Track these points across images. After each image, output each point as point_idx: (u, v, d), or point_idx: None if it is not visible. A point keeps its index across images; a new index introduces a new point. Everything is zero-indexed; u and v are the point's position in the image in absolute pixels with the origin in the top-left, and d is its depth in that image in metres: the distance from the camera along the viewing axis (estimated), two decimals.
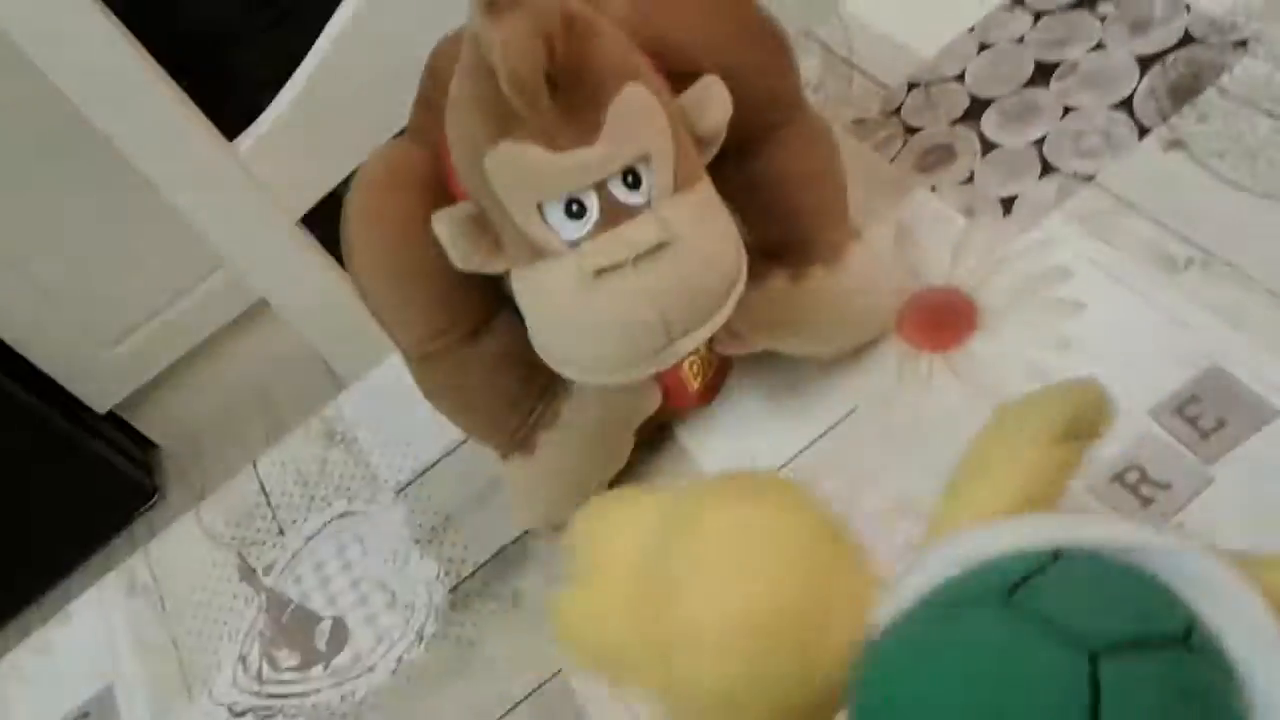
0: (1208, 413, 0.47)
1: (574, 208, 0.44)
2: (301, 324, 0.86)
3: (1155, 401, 0.48)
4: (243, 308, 1.65)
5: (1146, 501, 0.46)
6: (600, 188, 0.44)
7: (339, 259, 0.84)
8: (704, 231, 0.45)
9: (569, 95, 0.43)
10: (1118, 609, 0.27)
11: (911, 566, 0.33)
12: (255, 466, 0.69)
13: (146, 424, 1.75)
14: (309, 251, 0.82)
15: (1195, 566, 0.29)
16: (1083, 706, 0.24)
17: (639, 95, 0.44)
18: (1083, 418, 0.36)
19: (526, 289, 0.47)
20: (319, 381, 1.67)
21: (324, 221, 0.83)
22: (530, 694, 0.53)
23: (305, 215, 0.83)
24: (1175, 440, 0.47)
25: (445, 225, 0.46)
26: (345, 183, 0.80)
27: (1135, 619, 0.27)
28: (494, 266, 0.47)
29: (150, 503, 1.69)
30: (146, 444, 1.75)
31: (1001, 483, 0.34)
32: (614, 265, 0.43)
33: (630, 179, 0.44)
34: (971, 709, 0.26)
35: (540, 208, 0.44)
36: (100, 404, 1.67)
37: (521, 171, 0.43)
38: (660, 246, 0.43)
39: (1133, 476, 0.46)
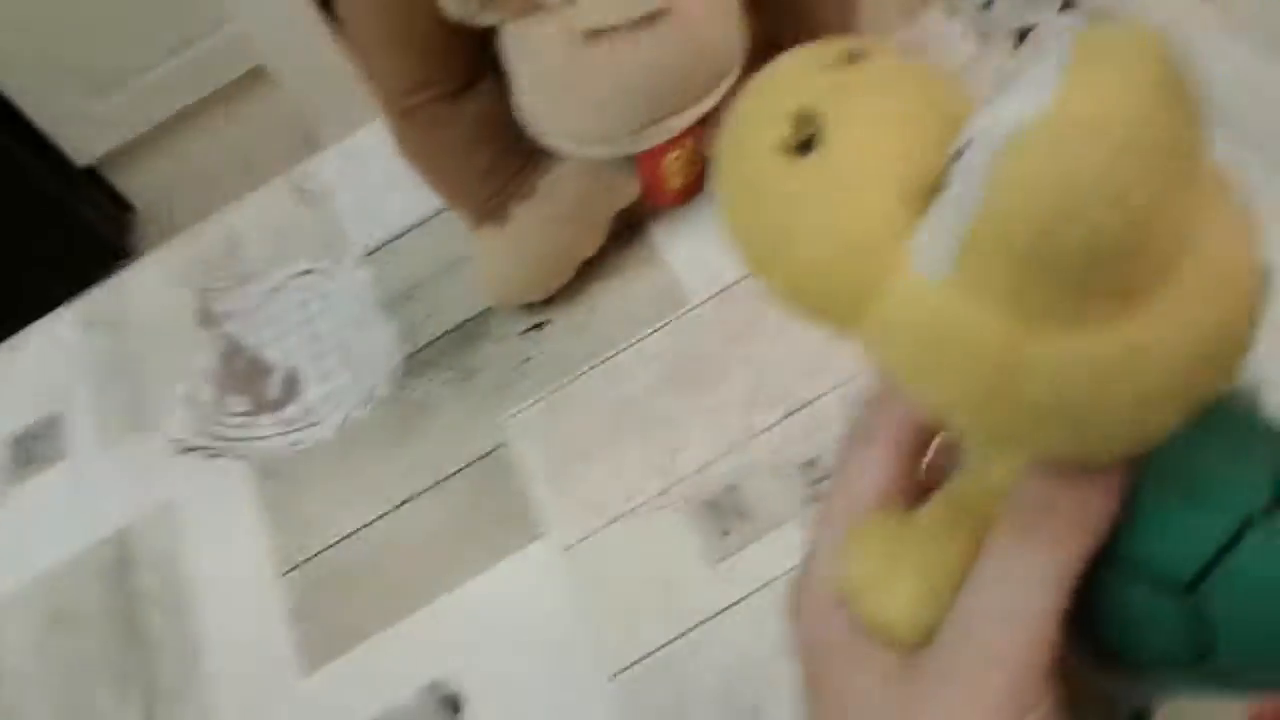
0: None
1: None
2: (286, 79, 0.84)
3: None
4: (235, 75, 1.61)
5: None
6: None
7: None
8: (707, 6, 0.43)
9: None
10: None
11: None
12: (224, 215, 0.68)
13: (126, 185, 1.73)
14: (307, 10, 0.79)
15: None
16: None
17: None
18: None
19: (516, 47, 0.45)
20: (303, 155, 1.64)
21: None
22: (469, 464, 0.54)
23: None
24: None
25: None
26: None
27: None
28: (487, 15, 0.45)
29: (123, 262, 1.68)
30: (123, 205, 1.73)
31: None
32: (608, 28, 0.42)
33: None
34: None
35: None
36: (80, 157, 1.64)
37: None
38: (658, 14, 0.42)
39: None
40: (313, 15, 0.81)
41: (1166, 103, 0.19)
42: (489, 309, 0.58)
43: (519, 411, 0.54)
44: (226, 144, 1.72)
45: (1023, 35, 0.55)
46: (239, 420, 0.60)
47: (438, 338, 0.58)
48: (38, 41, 1.51)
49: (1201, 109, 0.19)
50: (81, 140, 1.64)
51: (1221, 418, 0.23)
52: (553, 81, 0.44)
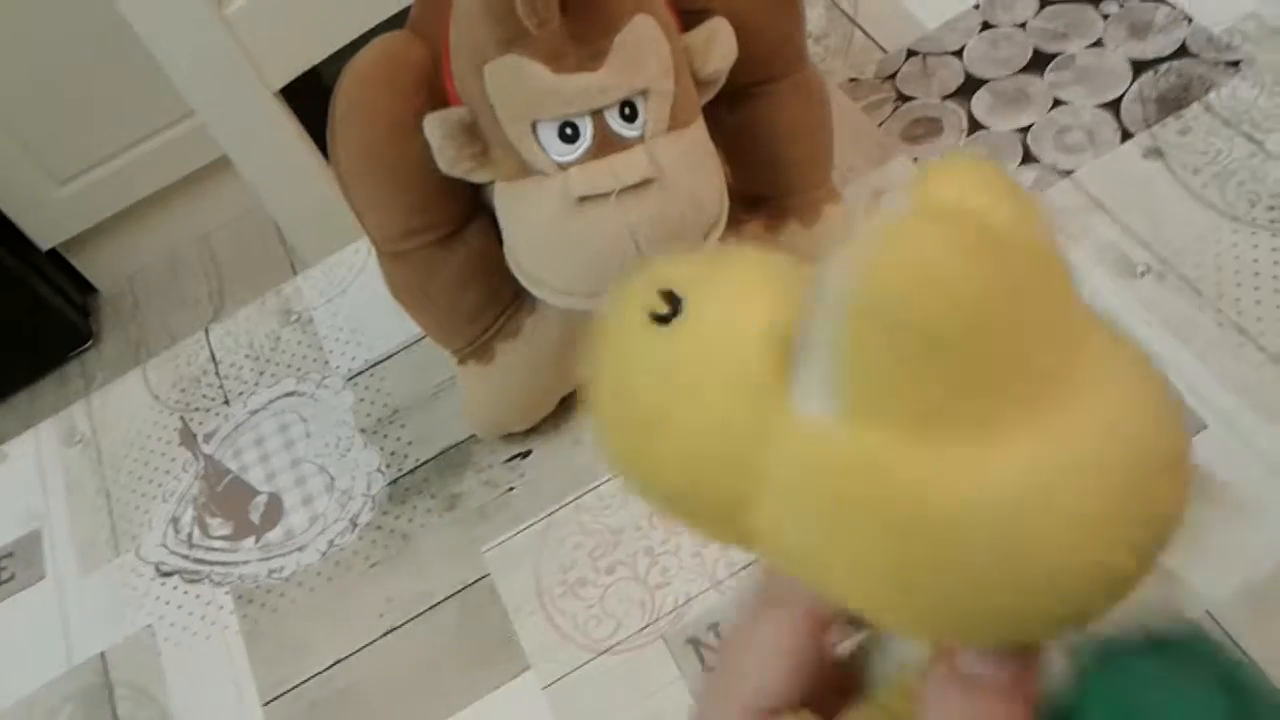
0: None
1: (568, 131, 0.44)
2: (265, 194, 0.85)
3: None
4: (201, 164, 1.62)
5: None
6: (597, 115, 0.44)
7: (314, 136, 0.83)
8: (692, 173, 0.45)
9: (580, 18, 0.43)
10: None
11: None
12: (207, 333, 0.69)
13: (89, 267, 1.72)
14: (284, 123, 0.81)
15: None
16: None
17: (647, 28, 0.44)
18: None
19: (508, 204, 0.47)
20: (269, 251, 1.65)
21: (301, 97, 0.82)
22: (453, 595, 0.55)
23: (285, 93, 0.81)
24: None
25: (437, 128, 0.46)
26: (328, 61, 0.80)
27: None
28: (479, 176, 0.47)
29: (85, 346, 1.67)
30: (87, 287, 1.73)
31: None
32: (599, 194, 0.44)
33: (627, 111, 0.44)
34: None
35: (534, 126, 0.44)
36: (44, 240, 1.63)
37: (522, 87, 0.43)
38: (647, 183, 0.44)
39: None
40: (290, 131, 0.83)
41: (1006, 207, 0.21)
42: (472, 437, 0.59)
43: (503, 541, 0.55)
44: (192, 230, 1.73)
45: None
46: (220, 544, 0.60)
47: (420, 464, 0.59)
48: (3, 122, 1.52)
49: (1050, 234, 0.21)
50: (46, 223, 1.64)
51: (1164, 649, 0.23)
52: (542, 239, 0.46)
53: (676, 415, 0.22)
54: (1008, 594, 0.20)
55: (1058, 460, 0.19)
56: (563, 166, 0.45)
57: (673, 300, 0.23)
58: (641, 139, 0.45)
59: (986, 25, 0.65)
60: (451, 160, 0.46)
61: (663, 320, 0.23)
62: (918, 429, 0.20)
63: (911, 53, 0.65)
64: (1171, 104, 0.58)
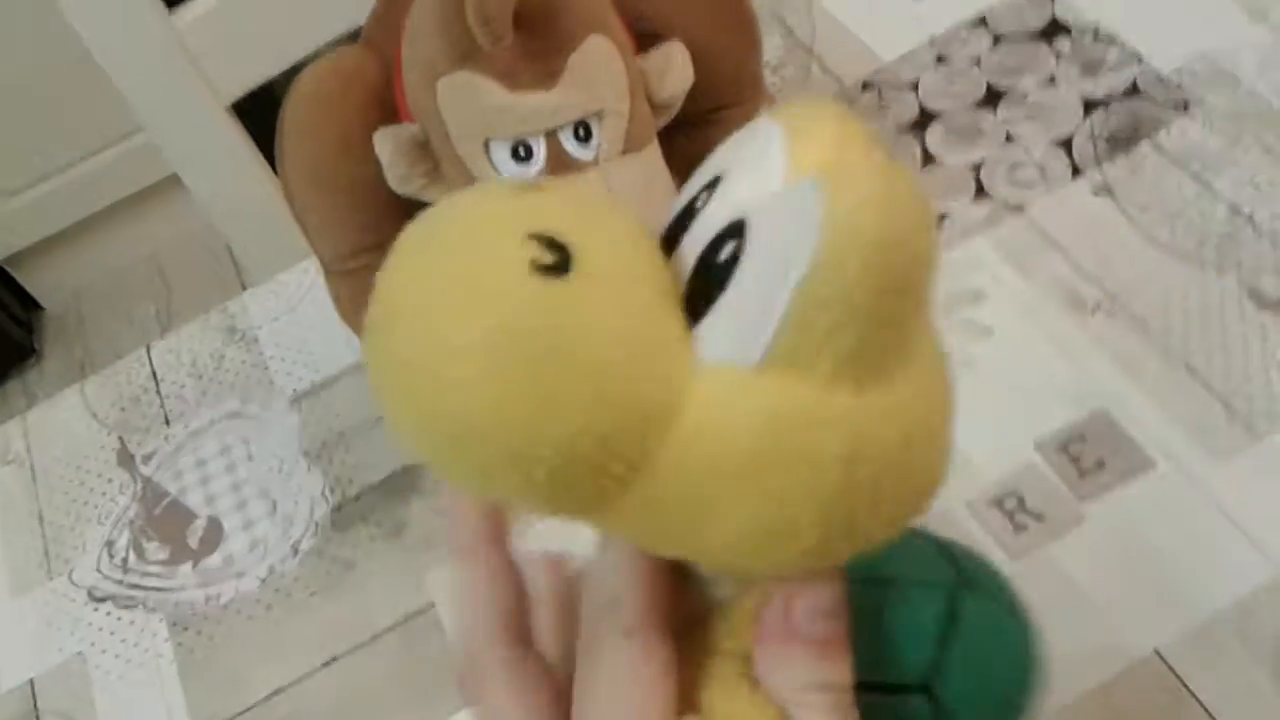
0: (1089, 453, 0.49)
1: (521, 151, 0.44)
2: (213, 210, 0.84)
3: (1042, 434, 0.50)
4: (150, 181, 1.59)
5: (1020, 528, 0.48)
6: (550, 135, 0.43)
7: (264, 153, 0.82)
8: (646, 197, 0.45)
9: (534, 36, 0.42)
10: None
11: None
12: (149, 351, 0.67)
13: (33, 283, 1.69)
14: (235, 138, 0.80)
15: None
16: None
17: (603, 49, 0.44)
18: None
19: None
20: (217, 268, 1.63)
21: (252, 114, 0.81)
22: (398, 624, 0.53)
23: (236, 108, 0.80)
24: (1055, 474, 0.49)
25: (388, 145, 0.45)
26: (281, 77, 0.79)
27: None
28: (430, 194, 0.46)
29: (27, 362, 1.63)
30: (31, 303, 1.69)
31: None
32: None
33: (581, 132, 0.44)
34: None
35: (487, 145, 0.44)
36: None
37: (475, 105, 0.43)
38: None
39: (1010, 503, 0.48)
40: (240, 147, 0.81)
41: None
42: (418, 463, 0.58)
43: (449, 569, 0.54)
44: (141, 248, 1.70)
45: (938, 220, 0.58)
46: (156, 570, 0.59)
47: (366, 490, 0.58)
48: None
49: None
50: None
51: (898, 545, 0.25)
52: None
53: (575, 378, 0.20)
54: (898, 524, 0.22)
55: (925, 409, 0.22)
56: None
57: (559, 249, 0.20)
58: (595, 161, 0.44)
59: (941, 59, 0.65)
60: (402, 178, 0.46)
61: (550, 271, 0.20)
62: (835, 378, 0.20)
63: (867, 85, 0.65)
64: (1121, 142, 0.59)
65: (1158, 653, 0.44)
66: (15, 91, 1.47)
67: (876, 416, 0.21)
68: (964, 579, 0.30)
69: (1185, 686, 0.43)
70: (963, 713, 0.28)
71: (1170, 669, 0.43)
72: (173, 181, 1.59)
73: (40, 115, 1.50)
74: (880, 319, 0.20)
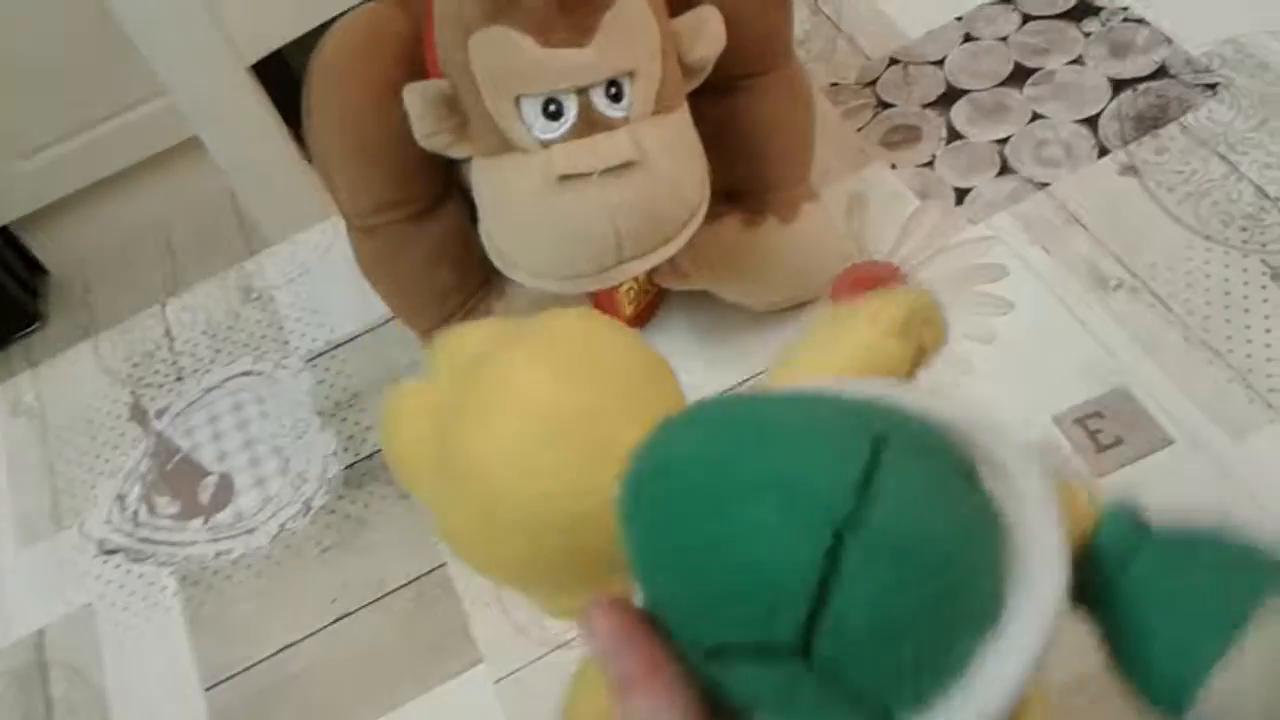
0: (1108, 429, 0.49)
1: (552, 108, 0.43)
2: (232, 171, 0.83)
3: (1061, 408, 0.50)
4: (163, 146, 1.59)
5: None
6: (582, 93, 0.43)
7: (284, 116, 0.82)
8: (674, 159, 0.45)
9: None
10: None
11: None
12: (163, 308, 0.67)
13: (41, 248, 1.68)
14: (256, 99, 0.79)
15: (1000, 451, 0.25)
16: (857, 473, 0.22)
17: (637, 8, 0.44)
18: (915, 318, 0.33)
19: (487, 180, 0.46)
20: (227, 238, 1.62)
21: (265, 82, 0.81)
22: (409, 583, 0.53)
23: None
24: (1073, 447, 0.49)
25: (417, 99, 0.45)
26: (294, 46, 0.79)
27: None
28: (457, 150, 0.46)
29: (31, 328, 1.63)
30: (37, 268, 1.69)
31: (833, 352, 0.32)
32: (580, 174, 0.43)
33: (613, 91, 0.44)
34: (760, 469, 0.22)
35: (518, 101, 0.43)
36: None
37: (507, 60, 0.43)
38: (629, 165, 0.43)
39: None
40: (261, 108, 0.81)
41: None
42: None
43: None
44: (149, 216, 1.69)
45: (961, 195, 0.58)
46: (166, 524, 0.58)
47: (379, 450, 0.58)
48: None
49: None
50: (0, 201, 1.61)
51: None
52: (520, 218, 0.45)
53: None
54: None
55: None
56: (545, 144, 0.44)
57: None
58: (626, 120, 0.44)
59: (969, 37, 0.65)
60: (429, 132, 0.46)
61: None
62: None
63: (893, 61, 0.65)
64: (1149, 123, 0.58)
65: None
66: (25, 55, 1.46)
67: None
68: (881, 437, 0.23)
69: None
70: (862, 667, 0.22)
71: None
72: (183, 149, 1.58)
73: (49, 80, 1.50)
74: None
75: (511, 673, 0.49)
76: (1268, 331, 0.50)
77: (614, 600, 0.26)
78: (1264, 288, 0.51)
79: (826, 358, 0.32)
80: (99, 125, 1.57)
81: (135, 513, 0.59)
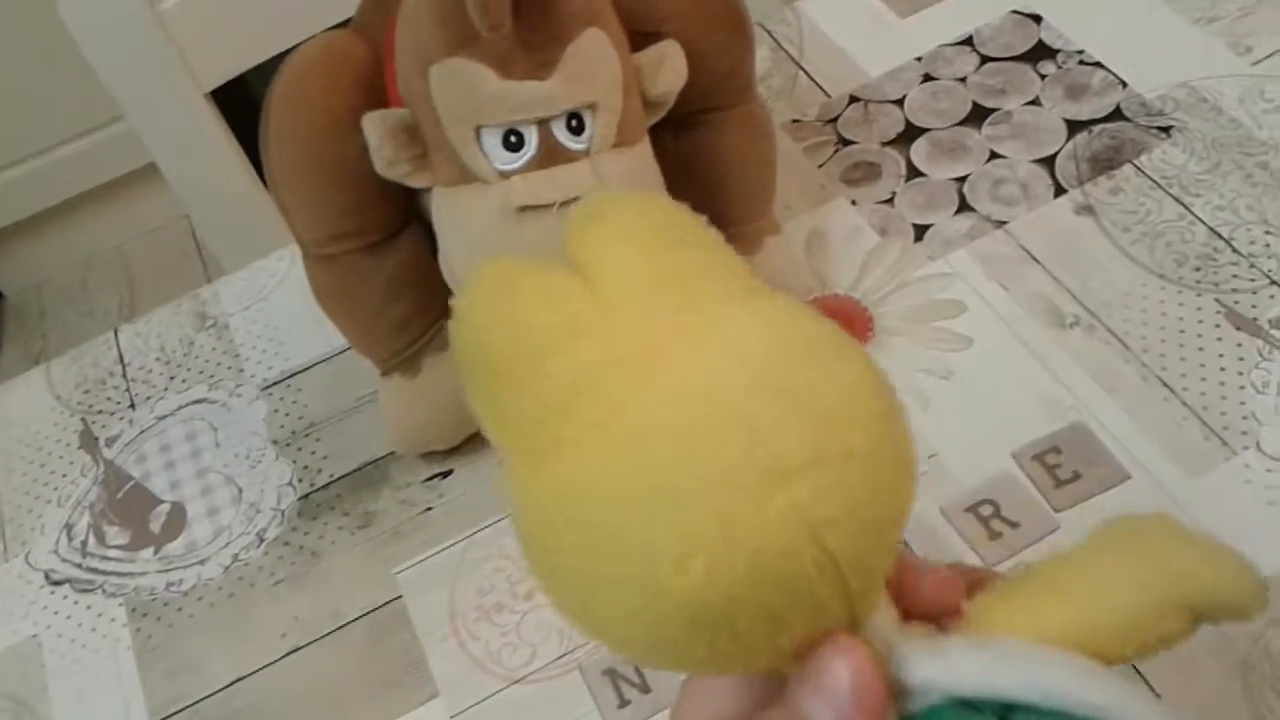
0: (1066, 464, 0.49)
1: (512, 139, 0.43)
2: (189, 198, 0.82)
3: (1019, 444, 0.50)
4: (117, 173, 1.57)
5: (995, 535, 0.48)
6: (543, 125, 0.43)
7: (242, 143, 0.81)
8: (634, 189, 0.45)
9: (532, 25, 0.42)
10: None
11: (937, 650, 0.25)
12: (116, 334, 0.66)
13: None
14: (213, 126, 0.79)
15: None
16: None
17: (599, 42, 0.44)
18: (1226, 604, 0.27)
19: (447, 210, 0.46)
20: (186, 267, 1.61)
21: (225, 107, 0.80)
22: (362, 615, 0.52)
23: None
24: (1031, 484, 0.49)
25: (376, 128, 0.45)
26: (255, 71, 0.79)
27: None
28: (417, 180, 0.46)
29: None
30: None
31: (1081, 610, 0.26)
32: (541, 205, 0.43)
33: (574, 123, 0.44)
34: None
35: (478, 132, 0.43)
36: None
37: (468, 91, 0.43)
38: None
39: (986, 510, 0.48)
40: (219, 134, 0.81)
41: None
42: (391, 454, 0.57)
43: (417, 563, 0.53)
44: (107, 241, 1.67)
45: (921, 232, 0.59)
46: (116, 554, 0.57)
47: (335, 479, 0.57)
48: None
49: None
50: None
51: None
52: (480, 248, 0.45)
53: None
54: None
55: None
56: (505, 175, 0.44)
57: None
58: (587, 153, 0.44)
59: (928, 77, 0.66)
60: (389, 161, 0.45)
61: None
62: None
63: (854, 99, 0.66)
64: (1104, 164, 0.59)
65: (1134, 667, 0.44)
66: None
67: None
68: None
69: (1158, 699, 0.43)
70: None
71: (1146, 682, 0.43)
72: (141, 175, 1.57)
73: (5, 103, 1.48)
74: None
75: (469, 707, 0.49)
76: (1222, 370, 0.51)
77: (853, 641, 0.23)
78: (1218, 326, 0.52)
79: (1062, 613, 0.26)
80: (56, 149, 1.56)
81: (84, 542, 0.58)
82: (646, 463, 0.22)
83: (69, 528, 0.58)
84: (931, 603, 0.26)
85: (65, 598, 0.56)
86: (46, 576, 0.57)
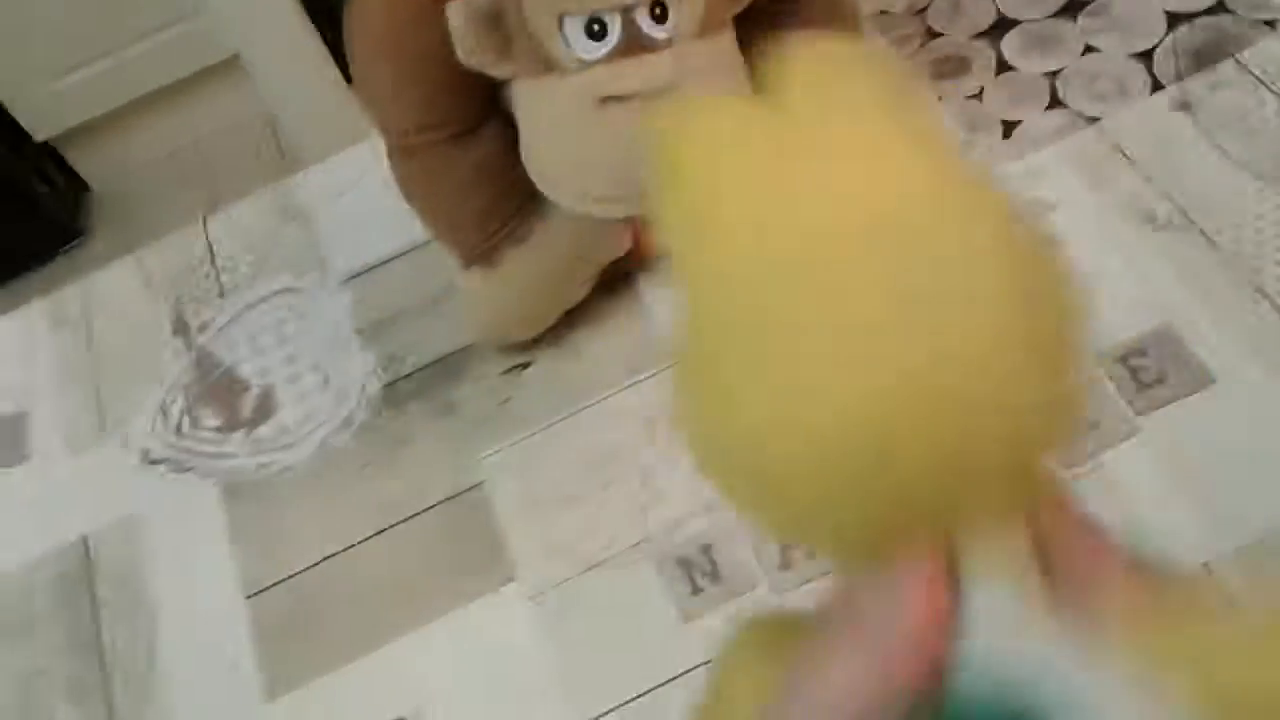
0: (1150, 367, 0.48)
1: (595, 27, 0.43)
2: (271, 90, 0.83)
3: (1104, 346, 0.50)
4: (202, 65, 1.58)
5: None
6: (626, 12, 0.43)
7: (324, 34, 0.82)
8: (718, 82, 0.44)
9: None
10: None
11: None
12: (204, 224, 0.68)
13: (83, 164, 1.69)
14: (296, 18, 0.79)
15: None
16: None
17: None
18: None
19: (528, 102, 0.46)
20: (267, 158, 1.62)
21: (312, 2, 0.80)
22: (444, 501, 0.54)
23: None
24: (1114, 385, 0.48)
25: (460, 16, 0.45)
26: None
27: None
28: (499, 69, 0.46)
29: (75, 242, 1.64)
30: (79, 184, 1.70)
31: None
32: (622, 96, 0.43)
33: (658, 11, 0.43)
34: None
35: (561, 20, 0.43)
36: (38, 132, 1.60)
37: None
38: (672, 88, 0.43)
39: None
40: (301, 26, 0.81)
41: None
42: (471, 345, 0.58)
43: (497, 451, 0.55)
44: (191, 133, 1.70)
45: (1009, 129, 0.57)
46: (209, 436, 0.60)
47: (418, 369, 0.59)
48: (4, 8, 1.48)
49: None
50: (42, 115, 1.61)
51: None
52: (563, 141, 0.45)
53: None
54: None
55: None
56: (587, 64, 0.43)
57: None
58: (670, 41, 0.43)
59: None
60: (471, 50, 0.45)
61: None
62: None
63: None
64: (1204, 58, 0.57)
65: (1206, 566, 0.44)
66: None
67: None
68: None
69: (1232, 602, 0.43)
70: None
71: (1218, 583, 0.43)
72: (222, 69, 1.58)
73: None
74: None
75: (544, 590, 0.50)
76: None
77: (937, 564, 0.23)
78: None
79: None
80: (137, 43, 1.57)
81: (179, 424, 0.60)
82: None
83: (164, 409, 0.61)
84: (1083, 570, 0.24)
85: (162, 477, 0.58)
86: (144, 456, 0.59)
